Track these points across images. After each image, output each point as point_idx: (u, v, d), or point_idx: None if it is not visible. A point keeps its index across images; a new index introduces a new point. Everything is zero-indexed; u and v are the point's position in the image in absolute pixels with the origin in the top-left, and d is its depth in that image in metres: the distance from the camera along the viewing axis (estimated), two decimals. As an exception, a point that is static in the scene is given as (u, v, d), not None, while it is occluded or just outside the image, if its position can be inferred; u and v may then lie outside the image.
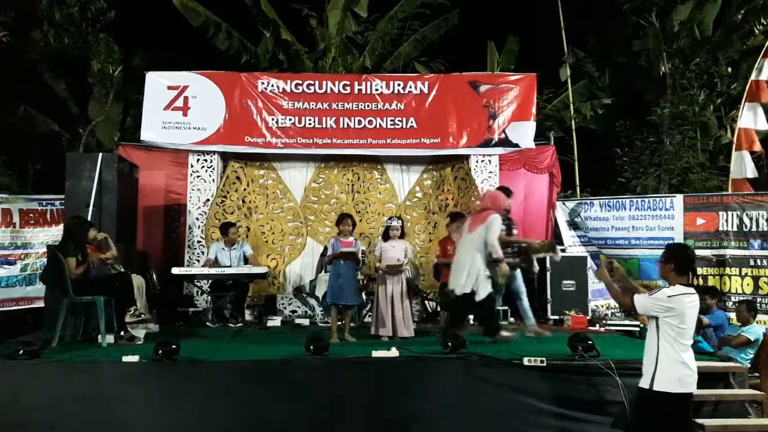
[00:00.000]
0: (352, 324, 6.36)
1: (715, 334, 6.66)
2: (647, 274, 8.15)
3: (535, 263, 6.54)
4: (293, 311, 8.05)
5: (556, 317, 7.54)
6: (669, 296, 3.61)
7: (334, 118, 8.21)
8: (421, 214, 8.52)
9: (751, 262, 7.54)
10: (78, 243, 5.76)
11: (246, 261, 7.42)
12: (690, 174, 10.72)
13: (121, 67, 10.85)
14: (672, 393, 3.58)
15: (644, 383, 3.68)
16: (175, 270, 7.10)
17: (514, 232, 6.51)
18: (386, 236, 6.36)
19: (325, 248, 7.83)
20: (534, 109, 8.37)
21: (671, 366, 3.59)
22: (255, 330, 6.95)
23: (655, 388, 3.62)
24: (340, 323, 6.22)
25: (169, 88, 8.09)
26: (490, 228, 5.74)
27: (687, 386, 3.61)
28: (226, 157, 8.29)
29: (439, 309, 8.10)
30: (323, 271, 7.58)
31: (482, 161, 8.27)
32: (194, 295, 7.78)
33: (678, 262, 3.74)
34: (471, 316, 7.24)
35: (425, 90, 8.29)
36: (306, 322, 7.46)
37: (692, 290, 3.67)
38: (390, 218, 6.71)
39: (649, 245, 8.27)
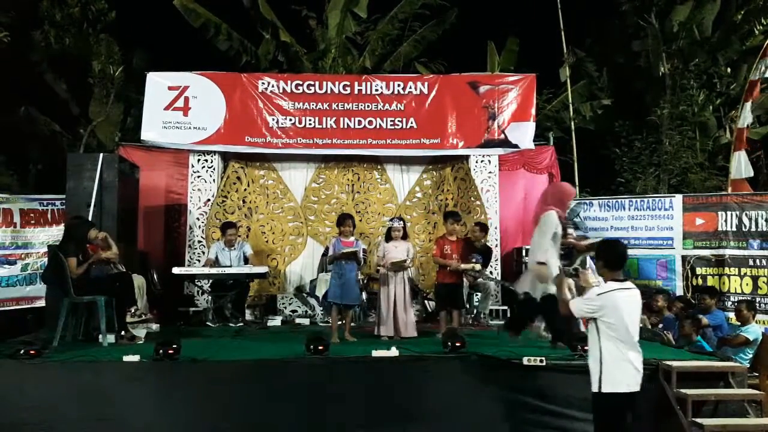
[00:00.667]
0: (352, 324, 6.36)
1: (714, 334, 6.67)
2: (646, 274, 8.17)
3: (577, 263, 6.03)
4: (293, 311, 8.07)
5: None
6: (598, 294, 3.59)
7: (334, 119, 8.23)
8: (420, 214, 8.54)
9: (750, 262, 7.55)
10: (79, 243, 5.77)
11: (246, 261, 7.44)
12: (689, 174, 10.73)
13: (122, 67, 10.85)
14: (621, 393, 3.54)
15: (593, 386, 3.62)
16: (175, 270, 7.11)
17: (569, 231, 5.91)
18: (388, 237, 6.36)
19: (327, 248, 7.86)
20: (533, 110, 8.39)
21: (616, 365, 3.54)
22: (255, 330, 6.97)
23: (604, 389, 3.57)
24: (340, 323, 6.23)
25: (170, 88, 8.11)
26: (539, 226, 5.28)
27: (633, 386, 3.55)
28: (226, 157, 8.31)
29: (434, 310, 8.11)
30: (324, 271, 7.61)
31: (482, 161, 8.29)
32: (195, 295, 7.80)
33: (606, 258, 3.72)
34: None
35: (425, 90, 8.31)
36: (306, 321, 7.48)
37: (628, 285, 3.62)
38: (392, 219, 6.71)
39: (649, 245, 8.28)
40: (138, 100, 10.10)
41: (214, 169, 8.17)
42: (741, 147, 8.68)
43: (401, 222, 6.42)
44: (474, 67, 10.19)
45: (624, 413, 3.59)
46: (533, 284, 5.37)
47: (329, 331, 6.09)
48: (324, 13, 12.24)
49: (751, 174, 8.75)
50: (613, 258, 3.72)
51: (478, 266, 6.56)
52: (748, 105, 8.63)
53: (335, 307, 6.16)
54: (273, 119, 8.20)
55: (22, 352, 4.78)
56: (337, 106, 8.25)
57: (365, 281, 7.59)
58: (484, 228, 7.46)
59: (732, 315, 7.14)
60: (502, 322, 5.93)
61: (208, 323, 7.20)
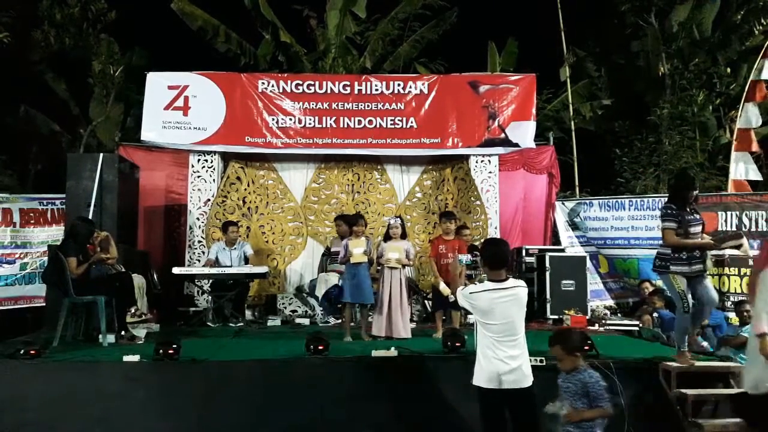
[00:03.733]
0: (352, 324, 6.31)
1: (714, 334, 6.67)
2: (646, 274, 8.16)
3: (708, 261, 4.97)
4: (293, 311, 8.06)
5: (556, 317, 7.56)
6: (470, 293, 3.63)
7: (334, 118, 8.23)
8: (420, 214, 8.54)
9: (750, 262, 7.54)
10: (80, 243, 5.77)
11: (247, 261, 7.44)
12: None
13: (122, 67, 10.86)
14: (485, 388, 3.53)
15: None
16: (175, 270, 7.12)
17: (691, 231, 4.84)
18: (387, 236, 6.33)
19: (327, 248, 7.85)
20: (534, 109, 8.38)
21: (486, 361, 3.56)
22: (255, 330, 6.96)
23: (474, 382, 3.61)
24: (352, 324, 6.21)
25: (170, 87, 8.10)
26: (759, 288, 3.87)
27: (503, 383, 3.52)
28: (226, 157, 8.31)
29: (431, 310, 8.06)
30: (324, 271, 7.60)
31: (482, 161, 8.29)
32: (195, 295, 7.80)
33: (484, 257, 3.73)
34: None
35: (425, 90, 8.31)
36: (306, 321, 7.47)
37: (508, 284, 3.60)
38: (390, 218, 6.67)
39: (649, 245, 8.27)
40: (138, 100, 10.11)
41: (214, 169, 8.17)
42: (747, 148, 8.65)
43: (398, 220, 6.37)
44: (474, 67, 10.20)
45: (490, 408, 3.58)
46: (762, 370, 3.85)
47: (332, 330, 6.07)
48: (324, 14, 12.25)
49: (759, 177, 8.72)
50: (490, 257, 3.71)
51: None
52: (756, 107, 8.61)
53: (349, 307, 6.15)
54: (273, 119, 8.19)
55: (22, 352, 4.76)
56: (337, 105, 8.25)
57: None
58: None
59: (731, 315, 7.14)
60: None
61: (208, 323, 7.19)
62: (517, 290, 3.64)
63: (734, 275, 7.64)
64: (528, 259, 8.16)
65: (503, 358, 3.54)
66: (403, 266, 6.27)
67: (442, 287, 6.06)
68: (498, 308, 3.56)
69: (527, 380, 3.59)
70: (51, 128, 12.14)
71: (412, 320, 6.46)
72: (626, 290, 8.59)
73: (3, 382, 4.63)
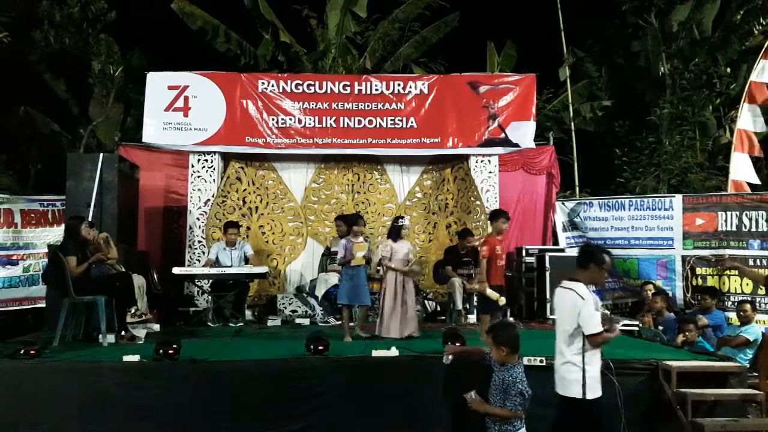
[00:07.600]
0: (351, 324, 6.31)
1: (714, 334, 6.68)
2: (646, 274, 8.17)
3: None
4: (293, 311, 8.06)
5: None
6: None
7: (334, 118, 8.24)
8: (420, 214, 8.54)
9: (750, 262, 7.54)
10: (77, 241, 5.77)
11: (247, 261, 7.44)
12: (689, 174, 10.74)
13: (122, 67, 10.85)
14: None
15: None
16: (175, 270, 7.11)
17: None
18: (397, 236, 6.18)
19: (327, 248, 7.84)
20: (534, 109, 8.40)
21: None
22: (255, 330, 6.96)
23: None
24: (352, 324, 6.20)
25: (170, 88, 8.10)
26: None
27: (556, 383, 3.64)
28: (226, 157, 8.31)
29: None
30: (324, 271, 7.60)
31: (482, 161, 8.29)
32: (195, 295, 7.80)
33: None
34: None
35: (425, 90, 8.31)
36: (306, 321, 7.46)
37: (565, 284, 3.64)
38: (399, 217, 6.56)
39: (649, 245, 8.28)
40: (138, 100, 10.11)
41: (214, 169, 8.17)
42: (745, 149, 8.64)
43: (406, 219, 6.34)
44: (473, 68, 10.19)
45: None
46: None
47: (331, 330, 6.06)
48: (324, 14, 12.24)
49: (757, 181, 8.70)
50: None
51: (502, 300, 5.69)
52: (756, 108, 8.59)
53: (347, 308, 6.14)
54: (273, 119, 8.20)
55: (22, 352, 4.77)
56: (337, 105, 8.26)
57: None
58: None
59: (731, 315, 7.14)
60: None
61: (208, 323, 7.19)
62: (562, 290, 3.64)
63: (734, 275, 7.64)
64: (528, 259, 8.16)
65: (557, 357, 3.60)
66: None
67: (489, 292, 5.67)
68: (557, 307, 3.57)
69: (561, 385, 3.58)
70: (51, 128, 12.13)
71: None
72: (626, 291, 8.59)
73: (3, 382, 4.64)
